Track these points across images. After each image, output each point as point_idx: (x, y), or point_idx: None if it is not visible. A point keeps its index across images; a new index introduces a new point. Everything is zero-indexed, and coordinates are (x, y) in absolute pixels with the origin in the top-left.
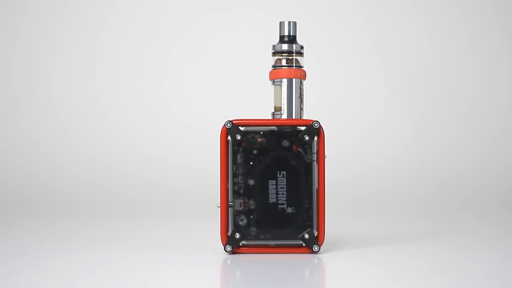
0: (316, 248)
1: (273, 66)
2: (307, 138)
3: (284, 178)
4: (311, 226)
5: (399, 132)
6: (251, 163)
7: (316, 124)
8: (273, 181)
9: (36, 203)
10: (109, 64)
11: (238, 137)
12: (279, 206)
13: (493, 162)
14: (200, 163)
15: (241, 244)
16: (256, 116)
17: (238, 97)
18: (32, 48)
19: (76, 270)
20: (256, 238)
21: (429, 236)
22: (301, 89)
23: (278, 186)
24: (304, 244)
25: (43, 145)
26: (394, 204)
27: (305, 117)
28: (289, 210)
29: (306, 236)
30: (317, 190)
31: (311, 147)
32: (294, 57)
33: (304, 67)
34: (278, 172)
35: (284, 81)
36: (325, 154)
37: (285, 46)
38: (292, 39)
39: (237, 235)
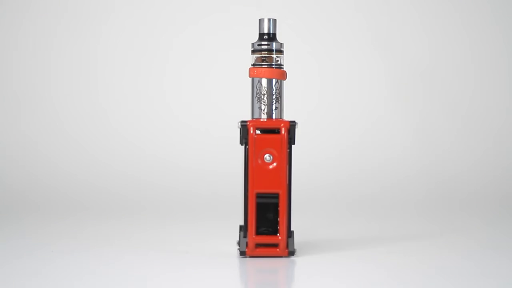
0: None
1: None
2: None
3: None
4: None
5: (398, 133)
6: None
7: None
8: None
9: (36, 203)
10: (110, 63)
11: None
12: None
13: (493, 162)
14: (200, 163)
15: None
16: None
17: (239, 97)
18: (32, 47)
19: (76, 270)
20: None
21: (428, 236)
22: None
23: None
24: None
25: (42, 144)
26: (394, 205)
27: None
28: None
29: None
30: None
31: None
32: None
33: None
34: None
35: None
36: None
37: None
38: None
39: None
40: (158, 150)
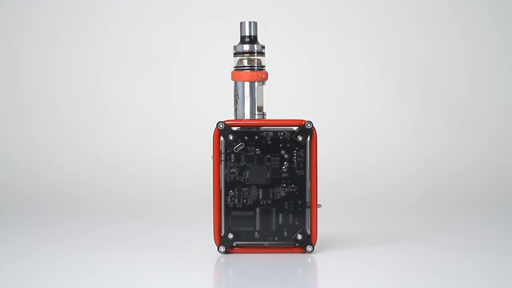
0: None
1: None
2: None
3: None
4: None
5: (396, 132)
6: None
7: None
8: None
9: (36, 203)
10: (113, 63)
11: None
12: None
13: (491, 161)
14: (200, 163)
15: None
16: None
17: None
18: (35, 46)
19: (77, 271)
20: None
21: (427, 235)
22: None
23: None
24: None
25: (45, 144)
26: (392, 204)
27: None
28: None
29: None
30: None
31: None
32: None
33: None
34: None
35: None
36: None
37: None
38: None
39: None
40: (160, 150)
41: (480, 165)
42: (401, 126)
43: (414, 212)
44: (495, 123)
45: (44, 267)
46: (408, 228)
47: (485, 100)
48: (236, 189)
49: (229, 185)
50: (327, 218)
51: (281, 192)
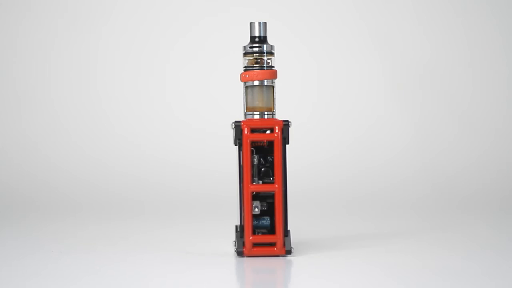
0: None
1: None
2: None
3: None
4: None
5: (398, 132)
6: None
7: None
8: None
9: (36, 203)
10: (110, 64)
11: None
12: None
13: (492, 162)
14: (200, 163)
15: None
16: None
17: (239, 97)
18: (32, 47)
19: (76, 270)
20: None
21: (428, 236)
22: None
23: None
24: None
25: (43, 145)
26: (392, 204)
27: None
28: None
29: None
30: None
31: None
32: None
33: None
34: None
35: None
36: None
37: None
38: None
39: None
40: (158, 150)
41: (482, 166)
42: (403, 127)
43: (415, 213)
44: (496, 125)
45: (44, 267)
46: (409, 228)
47: (486, 103)
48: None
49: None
50: (326, 217)
51: None
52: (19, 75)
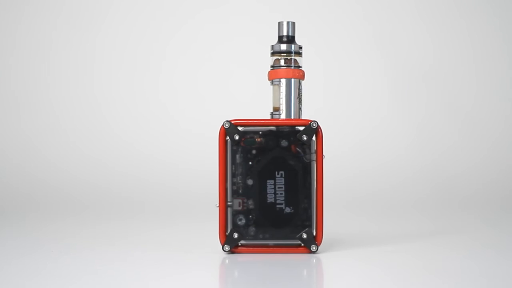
0: (314, 248)
1: (271, 66)
2: (305, 138)
3: (283, 178)
4: (310, 226)
5: (400, 133)
6: (250, 163)
7: (314, 124)
8: (271, 181)
9: (35, 202)
10: (108, 64)
11: (236, 137)
12: (278, 206)
13: (493, 163)
14: (200, 163)
15: (239, 244)
16: (255, 116)
17: (238, 97)
18: (30, 48)
19: (76, 270)
20: (254, 238)
21: (429, 236)
22: (299, 89)
23: (277, 186)
24: (302, 244)
25: (42, 145)
26: (395, 204)
27: (304, 117)
28: (287, 210)
29: (304, 236)
30: (316, 189)
31: (309, 147)
32: (292, 57)
33: (302, 67)
34: (276, 172)
35: (283, 81)
36: (324, 154)
37: (283, 46)
38: (290, 39)
39: (235, 235)
40: (157, 151)
41: (483, 167)
42: (406, 128)
43: (417, 212)
44: (499, 126)
45: (43, 267)
46: (411, 228)
47: (489, 104)
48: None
49: None
50: (330, 217)
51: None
52: (17, 75)
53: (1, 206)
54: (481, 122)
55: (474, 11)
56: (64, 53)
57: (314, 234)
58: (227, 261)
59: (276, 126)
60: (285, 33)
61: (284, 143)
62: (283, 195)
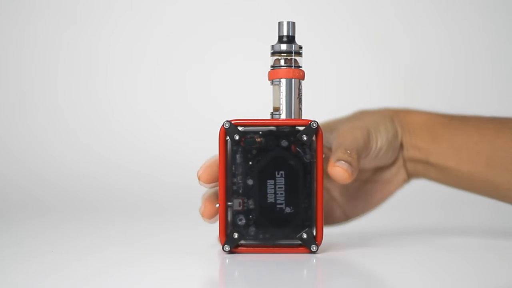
0: (314, 248)
1: (271, 66)
2: (305, 138)
3: (283, 178)
4: (310, 226)
5: None
6: (250, 163)
7: (314, 124)
8: (271, 181)
9: (39, 201)
10: (117, 62)
11: (237, 137)
12: (278, 206)
13: None
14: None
15: (239, 244)
16: (255, 116)
17: (237, 96)
18: (38, 46)
19: (76, 271)
20: (254, 237)
21: (431, 235)
22: (299, 89)
23: (277, 186)
24: (302, 244)
25: (48, 143)
26: (396, 203)
27: (304, 117)
28: (288, 210)
29: (304, 236)
30: (316, 189)
31: (310, 147)
32: (293, 57)
33: (302, 67)
34: (276, 172)
35: (283, 81)
36: (324, 154)
37: (283, 46)
38: (291, 39)
39: (236, 235)
40: (167, 148)
41: None
42: None
43: (418, 212)
44: None
45: (45, 267)
46: (412, 227)
47: (487, 104)
48: None
49: None
50: None
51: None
52: (25, 74)
53: (4, 204)
54: None
55: (474, 11)
56: (71, 50)
57: (314, 234)
58: (227, 261)
59: (276, 126)
60: (285, 33)
61: (284, 143)
62: (283, 195)
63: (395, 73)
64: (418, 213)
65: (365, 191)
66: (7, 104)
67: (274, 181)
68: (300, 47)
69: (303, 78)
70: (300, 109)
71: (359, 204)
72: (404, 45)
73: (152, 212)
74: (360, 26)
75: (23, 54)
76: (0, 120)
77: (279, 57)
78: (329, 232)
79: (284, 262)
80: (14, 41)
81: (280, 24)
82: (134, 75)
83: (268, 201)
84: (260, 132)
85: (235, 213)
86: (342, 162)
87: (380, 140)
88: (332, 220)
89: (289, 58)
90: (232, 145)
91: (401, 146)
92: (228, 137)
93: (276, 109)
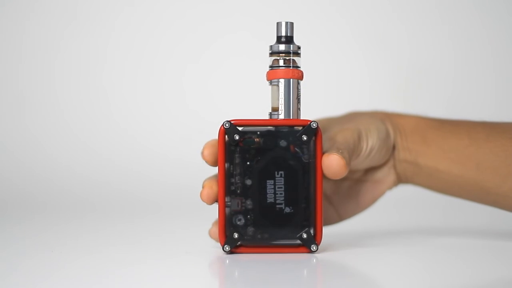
0: (314, 248)
1: (270, 67)
2: (305, 138)
3: (282, 178)
4: (309, 226)
5: None
6: (248, 163)
7: (314, 124)
8: (271, 181)
9: (39, 201)
10: (115, 61)
11: (236, 137)
12: (277, 206)
13: None
14: (202, 162)
15: (238, 244)
16: (254, 116)
17: (235, 97)
18: (37, 45)
19: (75, 271)
20: (253, 238)
21: (431, 235)
22: (298, 90)
23: (276, 186)
24: (301, 244)
25: (46, 143)
26: (396, 203)
27: (302, 117)
28: (287, 210)
29: (304, 235)
30: (315, 189)
31: (309, 147)
32: (291, 58)
33: (301, 67)
34: (276, 172)
35: (282, 81)
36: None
37: (282, 47)
38: (289, 40)
39: (236, 235)
40: (166, 148)
41: None
42: None
43: (418, 212)
44: None
45: (45, 267)
46: (412, 227)
47: (487, 105)
48: None
49: None
50: None
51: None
52: (24, 73)
53: (5, 206)
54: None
55: (474, 11)
56: (70, 50)
57: (314, 234)
58: (227, 261)
59: (275, 126)
60: (283, 33)
61: (283, 143)
62: (282, 195)
63: (395, 73)
64: (418, 213)
65: (356, 191)
66: (6, 104)
67: (273, 181)
68: (299, 47)
69: (301, 79)
70: (299, 109)
71: (351, 203)
72: (404, 45)
73: (152, 212)
74: (360, 26)
75: (22, 54)
76: None
77: (278, 58)
78: (329, 232)
79: (284, 262)
80: (13, 41)
81: (278, 25)
82: (133, 75)
83: (268, 201)
84: (258, 132)
85: (234, 213)
86: (336, 154)
87: (371, 140)
88: (326, 221)
89: (287, 58)
90: (230, 145)
91: (394, 146)
92: (227, 137)
93: (275, 109)
